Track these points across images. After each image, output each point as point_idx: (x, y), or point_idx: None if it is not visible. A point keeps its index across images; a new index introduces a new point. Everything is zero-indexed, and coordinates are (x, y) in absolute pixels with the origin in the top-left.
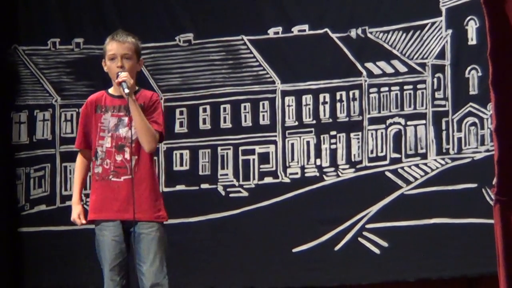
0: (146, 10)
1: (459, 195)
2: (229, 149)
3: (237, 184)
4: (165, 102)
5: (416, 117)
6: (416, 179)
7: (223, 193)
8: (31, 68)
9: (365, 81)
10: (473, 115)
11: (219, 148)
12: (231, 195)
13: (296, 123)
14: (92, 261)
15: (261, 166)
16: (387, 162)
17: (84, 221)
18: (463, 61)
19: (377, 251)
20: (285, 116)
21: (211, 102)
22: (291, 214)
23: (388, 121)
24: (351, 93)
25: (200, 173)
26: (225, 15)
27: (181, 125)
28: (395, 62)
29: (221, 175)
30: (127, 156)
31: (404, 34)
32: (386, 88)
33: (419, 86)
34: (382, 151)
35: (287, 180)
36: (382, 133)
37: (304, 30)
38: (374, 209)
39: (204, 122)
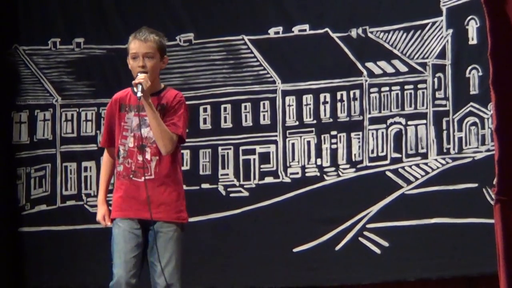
0: (147, 10)
1: (459, 195)
2: (230, 149)
3: (237, 184)
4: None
5: (417, 117)
6: (416, 179)
7: (223, 193)
8: (31, 68)
9: (366, 81)
10: (473, 115)
11: (219, 148)
12: (231, 195)
13: (297, 123)
14: (93, 261)
15: (262, 166)
16: (387, 162)
17: (109, 223)
18: (464, 61)
19: (377, 251)
20: (286, 116)
21: (211, 102)
22: (291, 214)
23: (389, 121)
24: (351, 93)
25: (201, 173)
26: (225, 15)
27: None
28: (396, 62)
29: (221, 175)
30: (148, 156)
31: (405, 34)
32: (387, 88)
33: (419, 86)
34: (382, 151)
35: (287, 180)
36: (382, 133)
37: (305, 30)
38: (374, 209)
39: (205, 122)
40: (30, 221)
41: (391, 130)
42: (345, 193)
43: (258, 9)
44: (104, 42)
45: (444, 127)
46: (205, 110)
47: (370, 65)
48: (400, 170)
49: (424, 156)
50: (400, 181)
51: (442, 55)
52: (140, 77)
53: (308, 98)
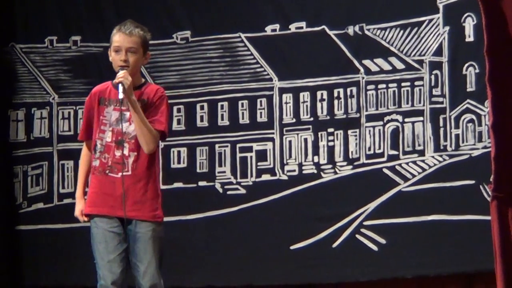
0: (144, 7)
1: (456, 192)
2: (227, 146)
3: (234, 181)
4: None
5: (414, 114)
6: (413, 176)
7: (220, 190)
8: (28, 66)
9: (363, 78)
10: (470, 112)
11: (216, 145)
12: (228, 192)
13: (294, 120)
14: (90, 259)
15: (259, 164)
16: (384, 159)
17: (86, 218)
18: (461, 58)
19: (375, 248)
20: (283, 113)
21: (208, 99)
22: (288, 211)
23: (386, 118)
24: (348, 90)
25: (198, 170)
26: (222, 12)
27: (178, 122)
28: (393, 59)
29: (218, 172)
30: (126, 152)
31: (402, 31)
32: (384, 85)
33: (416, 83)
34: (379, 148)
35: (284, 177)
36: (379, 130)
37: (302, 27)
38: (371, 206)
39: (202, 120)
40: (27, 219)
41: (388, 127)
42: (342, 190)
43: (255, 6)
44: (101, 40)
45: (441, 124)
46: (202, 107)
47: (367, 62)
48: (397, 167)
49: (421, 153)
50: (397, 178)
51: (439, 52)
52: (120, 75)
53: (305, 96)
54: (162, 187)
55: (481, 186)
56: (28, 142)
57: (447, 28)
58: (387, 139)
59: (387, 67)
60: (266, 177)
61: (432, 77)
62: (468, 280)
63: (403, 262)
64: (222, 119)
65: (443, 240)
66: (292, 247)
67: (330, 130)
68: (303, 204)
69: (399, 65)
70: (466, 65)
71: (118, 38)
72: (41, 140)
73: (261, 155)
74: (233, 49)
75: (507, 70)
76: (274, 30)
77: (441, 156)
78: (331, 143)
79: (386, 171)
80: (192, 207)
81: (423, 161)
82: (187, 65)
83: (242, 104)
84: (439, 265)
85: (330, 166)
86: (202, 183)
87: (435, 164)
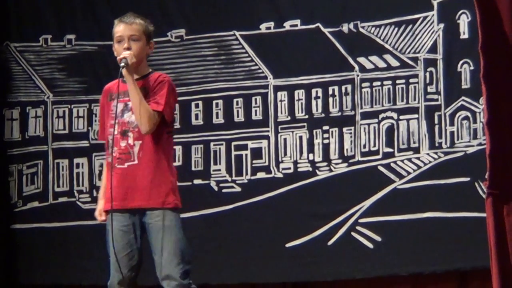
0: (138, 6)
1: (452, 189)
2: (222, 144)
3: (229, 179)
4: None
5: (409, 112)
6: (409, 173)
7: (216, 188)
8: (23, 65)
9: (357, 75)
10: (465, 109)
11: (211, 143)
12: (224, 190)
13: (289, 118)
14: (85, 258)
15: (254, 161)
16: (379, 156)
17: (103, 218)
18: (455, 55)
19: (370, 245)
20: (278, 111)
21: (203, 97)
22: (284, 209)
23: (381, 116)
24: (343, 87)
25: (193, 168)
26: (217, 10)
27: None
28: (387, 57)
29: (213, 170)
30: (130, 141)
31: (396, 29)
32: (379, 83)
33: (411, 80)
34: (374, 146)
35: (279, 175)
36: (374, 127)
37: (296, 25)
38: (367, 203)
39: (197, 118)
40: (22, 218)
41: (383, 124)
42: (338, 188)
43: (249, 4)
44: (96, 38)
45: (436, 121)
46: (196, 105)
47: (361, 60)
48: (392, 164)
49: (416, 150)
50: (392, 176)
51: (433, 49)
52: (125, 53)
53: (300, 93)
54: None
55: (476, 183)
56: (23, 140)
57: (441, 25)
58: (382, 137)
59: (381, 64)
60: (261, 175)
61: (427, 74)
62: (463, 277)
63: (399, 260)
64: (217, 117)
65: (438, 237)
66: (287, 245)
67: (325, 127)
68: (298, 202)
69: (394, 63)
70: (461, 62)
71: (119, 28)
72: (36, 138)
73: (256, 153)
74: (227, 47)
75: (502, 67)
76: (269, 28)
77: (436, 153)
78: (326, 141)
79: (381, 168)
80: (187, 205)
81: (418, 158)
82: (182, 63)
83: (237, 102)
84: (434, 262)
85: (325, 163)
86: (197, 181)
87: (430, 161)
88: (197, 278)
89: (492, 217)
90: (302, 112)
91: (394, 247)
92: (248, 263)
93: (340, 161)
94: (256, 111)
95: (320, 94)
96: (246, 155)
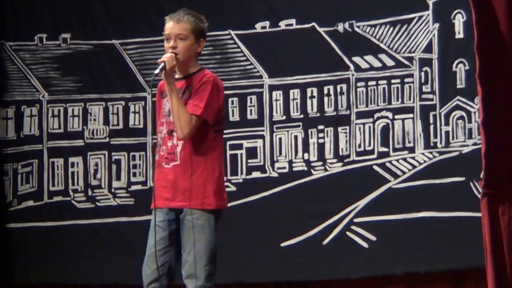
0: (133, 5)
1: (447, 189)
2: None
3: (225, 178)
4: (152, 97)
5: (404, 111)
6: (404, 173)
7: None
8: (18, 64)
9: (353, 75)
10: (460, 108)
11: None
12: None
13: (284, 117)
14: (80, 257)
15: (249, 161)
16: (374, 156)
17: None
18: (451, 55)
19: (365, 245)
20: (273, 111)
21: None
22: (279, 209)
23: (376, 115)
24: (338, 87)
25: None
26: (212, 9)
27: None
28: (383, 56)
29: None
30: (175, 141)
31: (391, 28)
32: (374, 82)
33: (406, 80)
34: (369, 145)
35: (275, 174)
36: (369, 127)
37: (291, 25)
38: (362, 203)
39: None
40: (17, 217)
41: (378, 124)
42: (333, 187)
43: (244, 3)
44: (91, 37)
45: (431, 121)
46: None
47: (357, 59)
48: (387, 164)
49: (411, 150)
50: (387, 175)
51: (428, 49)
52: (166, 56)
53: (295, 93)
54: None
55: (471, 183)
56: (18, 140)
57: (436, 25)
58: (377, 136)
59: (377, 64)
60: (256, 174)
61: (422, 74)
62: (458, 277)
63: (394, 259)
64: None
65: (433, 237)
66: (282, 245)
67: (320, 127)
68: (294, 201)
69: (389, 62)
70: (456, 62)
71: (168, 25)
72: (31, 138)
73: (251, 152)
74: (223, 47)
75: (497, 67)
76: (264, 27)
77: (431, 153)
78: (321, 140)
79: (376, 168)
80: None
81: (413, 158)
82: None
83: (232, 101)
84: (429, 262)
85: (320, 163)
86: None
87: (425, 161)
88: None
89: (487, 216)
90: (297, 112)
91: (389, 247)
92: (243, 263)
93: (335, 160)
94: (251, 110)
95: (315, 93)
96: (241, 154)
